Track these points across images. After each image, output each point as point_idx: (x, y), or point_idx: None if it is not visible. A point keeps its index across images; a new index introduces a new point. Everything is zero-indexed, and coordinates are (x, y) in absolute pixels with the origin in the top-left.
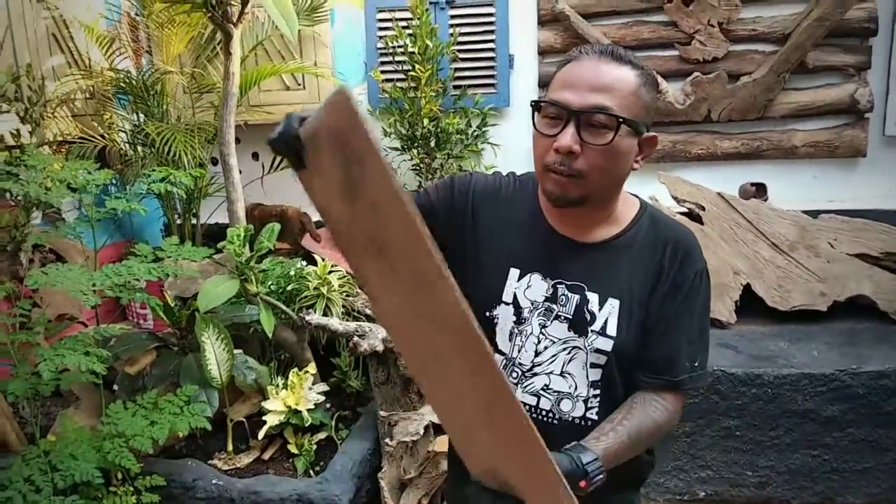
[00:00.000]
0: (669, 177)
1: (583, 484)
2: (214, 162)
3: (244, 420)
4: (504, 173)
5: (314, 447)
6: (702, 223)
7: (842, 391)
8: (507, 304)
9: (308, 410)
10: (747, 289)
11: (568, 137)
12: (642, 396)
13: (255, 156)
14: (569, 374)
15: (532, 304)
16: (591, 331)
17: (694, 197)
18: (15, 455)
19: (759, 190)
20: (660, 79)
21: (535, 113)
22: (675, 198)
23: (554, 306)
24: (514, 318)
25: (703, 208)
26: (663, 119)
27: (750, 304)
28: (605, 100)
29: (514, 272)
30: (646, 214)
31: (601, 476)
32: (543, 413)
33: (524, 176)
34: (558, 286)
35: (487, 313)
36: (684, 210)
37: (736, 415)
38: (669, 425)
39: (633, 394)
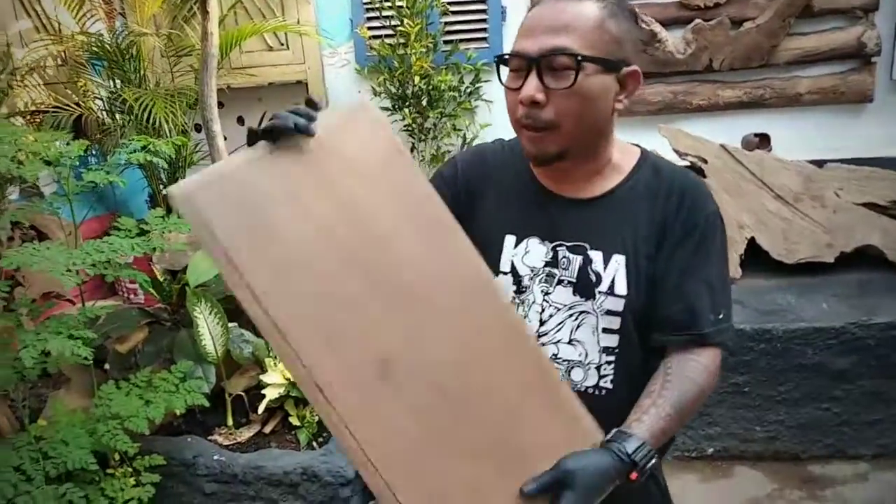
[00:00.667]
0: (670, 129)
1: (634, 476)
2: (198, 128)
3: (243, 394)
4: (491, 140)
5: (316, 419)
6: (704, 176)
7: (852, 343)
8: (504, 273)
9: None
10: (752, 242)
11: (530, 87)
12: (676, 359)
13: (241, 120)
14: (578, 341)
15: (531, 270)
16: (599, 292)
17: (695, 150)
18: (4, 442)
19: (763, 140)
20: (659, 27)
21: (502, 68)
22: (676, 151)
23: (555, 271)
24: (514, 288)
25: (705, 161)
26: (662, 69)
27: (755, 258)
28: (563, 40)
29: (509, 239)
30: (647, 163)
31: (653, 462)
32: None
33: (513, 140)
34: (558, 249)
35: None
36: (686, 164)
37: (744, 370)
38: (711, 387)
39: (665, 359)
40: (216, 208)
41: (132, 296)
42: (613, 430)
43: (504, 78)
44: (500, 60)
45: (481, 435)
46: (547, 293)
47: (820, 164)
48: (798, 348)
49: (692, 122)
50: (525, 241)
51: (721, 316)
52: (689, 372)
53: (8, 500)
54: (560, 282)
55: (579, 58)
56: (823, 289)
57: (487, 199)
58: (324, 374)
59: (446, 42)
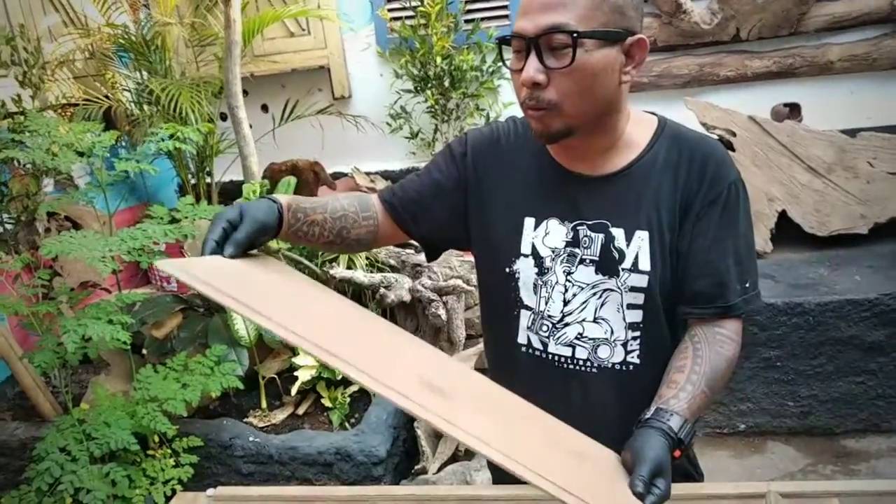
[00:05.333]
0: (697, 102)
1: (678, 454)
2: (223, 117)
3: (276, 377)
4: (503, 119)
5: (348, 400)
6: (733, 149)
7: (887, 315)
8: (525, 256)
9: None
10: (783, 215)
11: (531, 70)
12: (702, 332)
13: (265, 108)
14: (603, 319)
15: (553, 251)
16: (623, 269)
17: (724, 122)
18: (49, 425)
19: (793, 111)
20: None
21: (506, 50)
22: (703, 124)
23: (577, 250)
24: (536, 270)
25: (733, 134)
26: (688, 41)
27: (786, 232)
28: (559, 17)
29: (528, 221)
30: (665, 132)
31: (693, 439)
32: (580, 363)
33: (525, 118)
34: (579, 228)
35: (507, 269)
36: (714, 136)
37: (776, 345)
38: (736, 357)
39: (690, 330)
40: (206, 272)
41: (165, 283)
42: (654, 408)
43: (508, 59)
44: (502, 42)
45: None
46: (569, 273)
47: (853, 133)
48: (831, 321)
49: (720, 94)
50: (545, 222)
51: (748, 285)
52: (717, 345)
53: (55, 479)
54: (582, 261)
55: (575, 34)
56: (857, 261)
57: (502, 180)
58: (391, 381)
59: (467, 21)
